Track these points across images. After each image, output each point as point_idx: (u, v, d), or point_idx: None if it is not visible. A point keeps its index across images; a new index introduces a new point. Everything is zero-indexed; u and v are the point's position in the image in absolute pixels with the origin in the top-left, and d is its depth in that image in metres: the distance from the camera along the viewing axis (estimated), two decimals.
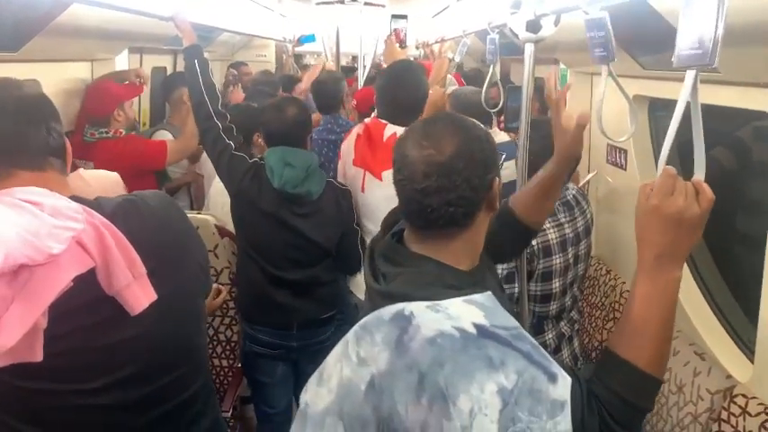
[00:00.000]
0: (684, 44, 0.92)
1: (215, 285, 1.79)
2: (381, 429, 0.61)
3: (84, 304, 1.08)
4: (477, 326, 0.71)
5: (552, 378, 0.76)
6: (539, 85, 4.03)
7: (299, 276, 2.35)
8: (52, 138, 1.17)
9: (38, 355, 0.98)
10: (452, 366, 0.65)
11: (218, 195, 2.75)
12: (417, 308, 0.73)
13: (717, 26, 0.84)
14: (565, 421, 0.74)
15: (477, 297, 0.77)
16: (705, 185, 1.00)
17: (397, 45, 2.82)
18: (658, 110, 2.44)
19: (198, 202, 3.61)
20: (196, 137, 3.16)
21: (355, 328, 0.71)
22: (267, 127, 2.38)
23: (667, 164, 1.01)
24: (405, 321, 0.69)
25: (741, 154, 2.15)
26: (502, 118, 2.62)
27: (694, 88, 0.96)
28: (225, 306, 2.54)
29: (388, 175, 2.26)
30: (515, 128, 2.32)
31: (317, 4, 4.22)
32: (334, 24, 4.80)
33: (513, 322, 0.77)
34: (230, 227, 2.54)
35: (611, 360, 1.04)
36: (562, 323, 2.12)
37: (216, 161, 2.38)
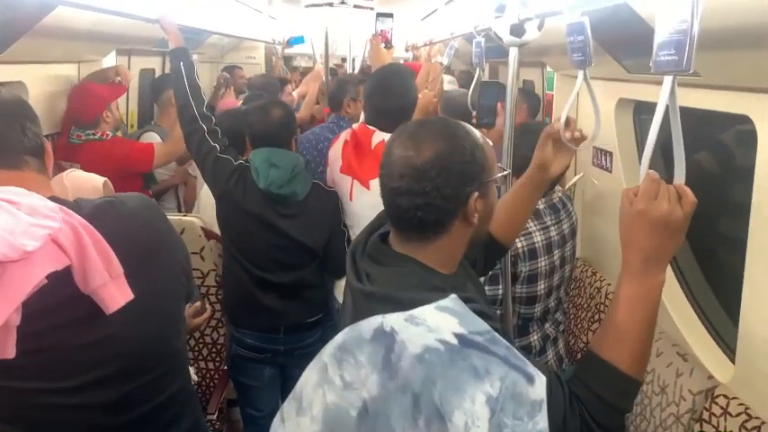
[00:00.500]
0: (661, 50, 0.93)
1: (198, 303, 1.77)
2: None
3: (60, 302, 1.09)
4: (457, 336, 0.71)
5: (530, 379, 0.78)
6: (527, 88, 4.08)
7: (286, 279, 2.35)
8: (27, 138, 1.19)
9: (9, 352, 0.99)
10: (444, 382, 0.65)
11: (207, 197, 2.75)
12: (396, 322, 0.72)
13: (691, 32, 0.85)
14: (543, 420, 0.75)
15: (446, 303, 0.77)
16: (687, 189, 1.01)
17: (383, 46, 2.76)
18: (644, 113, 2.47)
19: (188, 204, 3.60)
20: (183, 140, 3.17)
21: (332, 350, 0.68)
22: (253, 128, 2.38)
23: (651, 167, 1.03)
24: (388, 339, 0.67)
25: (723, 157, 2.18)
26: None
27: (672, 93, 0.97)
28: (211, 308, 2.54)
29: (375, 183, 2.18)
30: (487, 124, 2.33)
31: (307, 6, 4.22)
32: (323, 26, 4.81)
33: (484, 326, 0.78)
34: (218, 229, 2.54)
35: (594, 361, 1.05)
36: (547, 325, 2.14)
37: (201, 164, 2.38)
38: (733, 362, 1.83)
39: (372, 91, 2.39)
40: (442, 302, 0.77)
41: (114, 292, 1.09)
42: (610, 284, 2.56)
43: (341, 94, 3.14)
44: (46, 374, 1.13)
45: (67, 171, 2.00)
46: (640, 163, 1.04)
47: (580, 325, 2.70)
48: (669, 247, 1.03)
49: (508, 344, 0.79)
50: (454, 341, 0.69)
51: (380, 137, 2.28)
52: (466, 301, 0.99)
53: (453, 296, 0.82)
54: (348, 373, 0.64)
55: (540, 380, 0.76)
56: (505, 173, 1.25)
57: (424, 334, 0.68)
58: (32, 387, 1.13)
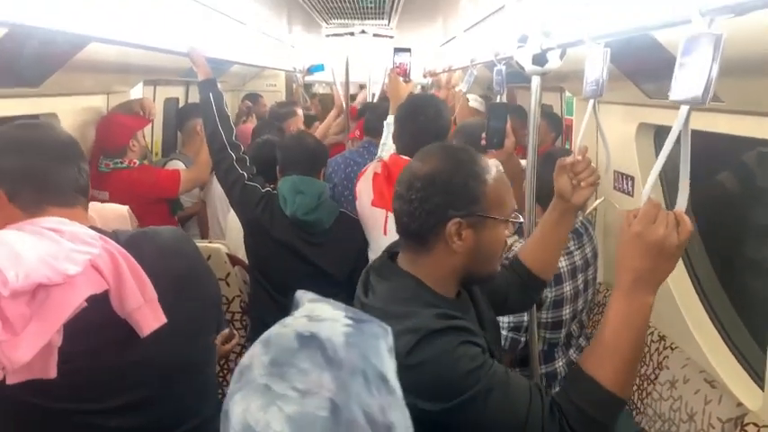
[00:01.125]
0: (681, 81, 0.95)
1: (227, 330, 1.80)
2: None
3: (98, 325, 1.12)
4: (348, 317, 0.77)
5: (385, 331, 0.79)
6: (546, 110, 4.10)
7: None
8: (82, 177, 1.25)
9: (51, 372, 1.03)
10: (371, 352, 0.71)
11: (234, 222, 2.79)
12: (302, 326, 0.74)
13: (711, 69, 0.87)
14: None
15: (311, 295, 0.82)
16: (686, 217, 1.03)
17: (401, 79, 2.78)
18: (665, 137, 2.47)
19: (203, 231, 3.64)
20: (209, 166, 3.23)
21: (262, 371, 0.68)
22: (284, 153, 2.44)
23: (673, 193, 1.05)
24: (314, 341, 0.69)
25: (747, 179, 2.17)
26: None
27: (686, 122, 0.99)
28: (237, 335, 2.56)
29: None
30: (495, 145, 2.23)
31: (327, 36, 4.31)
32: (343, 54, 4.89)
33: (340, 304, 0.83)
34: (245, 256, 2.57)
35: (577, 375, 1.12)
36: (571, 351, 2.13)
37: (228, 191, 2.42)
38: (762, 389, 1.80)
39: (405, 118, 2.27)
40: (310, 296, 0.83)
41: (148, 316, 1.13)
42: None
43: (378, 120, 2.97)
44: (82, 395, 1.15)
45: (91, 204, 2.04)
46: (662, 186, 1.06)
47: None
48: (661, 270, 1.05)
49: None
50: (350, 321, 0.74)
51: None
52: (451, 317, 1.11)
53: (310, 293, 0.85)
54: (299, 382, 0.66)
55: (389, 329, 0.79)
56: (518, 221, 1.21)
57: (333, 324, 0.72)
58: (69, 408, 1.15)
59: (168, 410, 1.26)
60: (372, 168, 2.37)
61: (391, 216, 2.25)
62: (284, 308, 0.77)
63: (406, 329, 1.08)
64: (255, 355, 0.71)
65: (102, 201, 2.49)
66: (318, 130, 4.25)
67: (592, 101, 1.45)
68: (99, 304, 1.08)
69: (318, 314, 0.75)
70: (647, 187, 1.07)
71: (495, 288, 1.45)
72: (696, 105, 0.94)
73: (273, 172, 2.52)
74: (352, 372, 0.67)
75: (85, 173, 1.26)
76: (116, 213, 1.94)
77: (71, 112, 2.79)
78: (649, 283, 1.06)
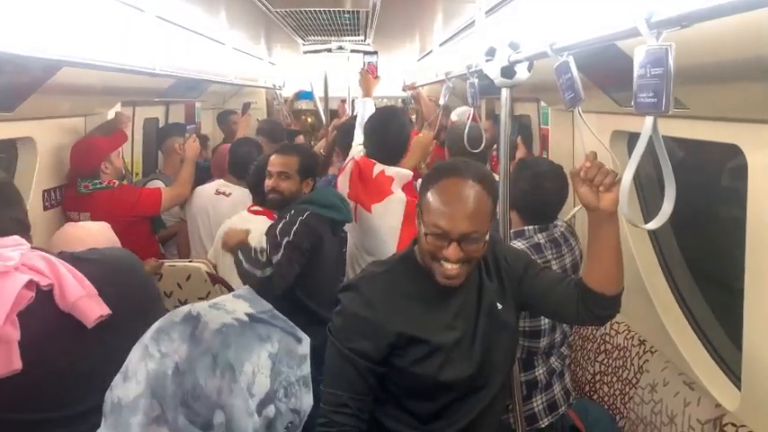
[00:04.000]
0: (641, 92, 0.98)
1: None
2: (186, 398, 0.82)
3: (51, 331, 1.20)
4: (248, 314, 0.93)
5: (299, 341, 0.97)
6: (524, 123, 4.16)
7: None
8: (24, 217, 1.37)
9: (16, 364, 1.12)
10: (236, 345, 0.87)
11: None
12: (202, 309, 0.92)
13: (667, 77, 0.90)
14: (307, 367, 0.96)
15: (240, 292, 1.01)
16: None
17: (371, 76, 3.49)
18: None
19: (182, 250, 3.62)
20: (190, 183, 3.27)
21: (151, 334, 0.88)
22: (314, 160, 2.68)
23: (651, 200, 1.06)
24: (194, 320, 0.88)
25: (718, 181, 2.21)
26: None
27: (655, 130, 1.02)
28: None
29: (376, 207, 2.53)
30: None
31: (305, 52, 4.34)
32: (321, 69, 4.93)
33: (268, 306, 0.99)
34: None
35: None
36: (552, 359, 2.14)
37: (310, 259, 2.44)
38: (739, 389, 1.83)
39: (373, 129, 2.68)
40: (237, 292, 1.01)
41: (93, 306, 1.21)
42: None
43: (347, 135, 3.31)
44: (44, 405, 1.21)
45: (66, 225, 2.03)
46: (637, 192, 1.08)
47: (587, 356, 2.70)
48: None
49: (284, 318, 0.99)
50: (245, 318, 0.92)
51: (380, 168, 2.56)
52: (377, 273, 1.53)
53: (247, 287, 1.04)
54: (164, 346, 0.85)
55: (306, 341, 0.98)
56: (425, 230, 1.43)
57: (223, 315, 0.91)
58: (35, 419, 1.20)
59: None
60: (350, 167, 2.72)
61: (359, 208, 2.59)
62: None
63: None
64: (156, 322, 0.90)
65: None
66: None
67: (577, 109, 1.45)
68: (47, 308, 1.19)
69: (224, 305, 0.94)
70: (623, 196, 1.08)
71: (555, 303, 1.57)
72: (659, 114, 0.96)
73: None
74: (205, 351, 0.85)
75: (25, 213, 1.37)
76: (102, 229, 1.93)
77: (48, 135, 2.79)
78: None
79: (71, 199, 2.93)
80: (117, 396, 0.85)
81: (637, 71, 0.98)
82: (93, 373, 1.21)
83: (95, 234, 1.84)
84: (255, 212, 2.83)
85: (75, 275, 1.23)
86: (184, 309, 0.90)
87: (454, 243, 1.39)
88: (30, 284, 1.17)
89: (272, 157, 2.55)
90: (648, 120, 0.99)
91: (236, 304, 0.95)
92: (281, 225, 2.37)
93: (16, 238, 1.26)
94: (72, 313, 1.20)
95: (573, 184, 1.44)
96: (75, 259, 1.28)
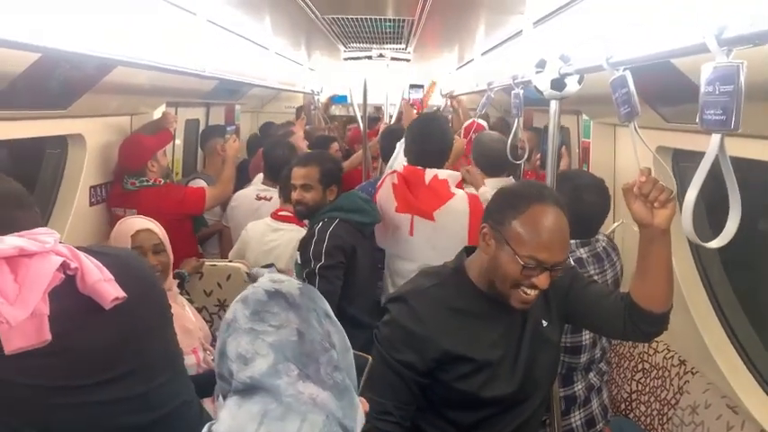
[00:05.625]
0: (708, 108, 0.97)
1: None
2: (314, 352, 0.93)
3: (69, 311, 1.30)
4: (298, 282, 1.05)
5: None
6: (563, 135, 4.14)
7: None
8: (38, 218, 1.43)
9: (45, 335, 1.22)
10: (317, 299, 0.99)
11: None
12: (271, 284, 0.99)
13: (737, 97, 0.88)
14: None
15: (273, 269, 1.17)
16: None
17: (415, 112, 3.29)
18: (682, 160, 2.48)
19: (224, 251, 3.68)
20: (232, 182, 3.35)
21: (244, 320, 0.95)
22: (336, 167, 2.65)
23: (697, 220, 1.05)
24: (278, 294, 0.97)
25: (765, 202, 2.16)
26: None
27: (722, 149, 1.00)
28: None
29: (439, 213, 2.44)
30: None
31: (345, 59, 4.37)
32: (360, 76, 4.97)
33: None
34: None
35: None
36: (591, 374, 2.11)
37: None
38: None
39: (415, 136, 2.64)
40: (270, 269, 1.13)
41: (109, 289, 1.31)
42: None
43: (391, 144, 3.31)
44: (69, 373, 1.31)
45: (124, 218, 2.11)
46: (680, 208, 1.06)
47: (623, 374, 2.66)
48: None
49: None
50: (301, 283, 1.01)
51: (432, 173, 2.51)
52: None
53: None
54: (273, 320, 0.92)
55: None
56: (522, 263, 1.36)
57: (289, 283, 0.99)
58: (68, 385, 1.30)
59: (151, 387, 1.41)
60: (389, 180, 2.64)
61: (417, 219, 2.48)
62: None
63: None
64: (238, 310, 0.97)
65: None
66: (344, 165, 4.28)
67: (633, 123, 1.41)
68: (72, 290, 1.29)
69: (279, 278, 1.02)
70: (686, 214, 1.06)
71: (602, 317, 1.56)
72: (728, 133, 0.95)
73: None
74: (308, 310, 0.96)
75: (38, 214, 1.45)
76: (139, 226, 2.00)
77: (96, 132, 2.87)
78: None
79: (117, 196, 3.00)
80: (247, 377, 0.92)
81: (704, 88, 0.97)
82: (104, 350, 1.34)
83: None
84: (283, 218, 2.88)
85: (94, 263, 1.34)
86: (258, 290, 0.99)
87: (546, 272, 1.37)
88: (60, 267, 1.29)
89: (294, 170, 2.54)
90: (715, 138, 0.97)
91: (282, 276, 1.04)
92: (312, 247, 2.37)
93: (47, 228, 1.36)
94: (91, 295, 1.30)
95: (626, 200, 1.42)
96: (92, 252, 1.38)
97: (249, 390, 0.92)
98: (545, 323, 1.54)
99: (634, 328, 1.50)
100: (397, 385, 1.43)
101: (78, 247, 1.39)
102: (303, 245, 2.43)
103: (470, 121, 4.21)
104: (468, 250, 1.58)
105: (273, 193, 3.27)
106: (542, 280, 1.37)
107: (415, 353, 1.42)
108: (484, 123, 4.29)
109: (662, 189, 1.34)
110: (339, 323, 1.01)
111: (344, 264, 2.38)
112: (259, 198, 3.32)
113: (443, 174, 2.51)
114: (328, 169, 2.53)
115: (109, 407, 1.35)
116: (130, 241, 1.99)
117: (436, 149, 2.58)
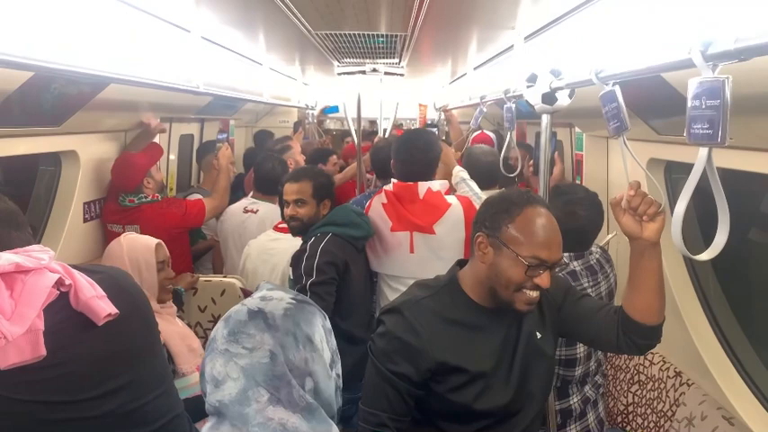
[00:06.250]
0: (695, 123, 0.98)
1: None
2: (286, 376, 0.96)
3: (60, 326, 1.30)
4: (293, 298, 1.08)
5: (325, 317, 1.13)
6: (523, 144, 4.19)
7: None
8: (30, 238, 1.42)
9: (41, 351, 1.22)
10: (303, 322, 1.03)
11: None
12: (256, 303, 1.03)
13: (724, 109, 0.90)
14: (334, 339, 1.13)
15: (269, 285, 1.12)
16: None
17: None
18: (675, 172, 2.49)
19: (216, 267, 3.67)
20: (227, 192, 3.39)
21: (222, 340, 0.99)
22: (329, 181, 2.63)
23: (688, 231, 1.06)
24: (260, 313, 1.01)
25: (761, 213, 2.17)
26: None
27: (709, 162, 1.01)
28: None
29: (439, 226, 2.40)
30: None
31: (339, 74, 4.40)
32: (354, 90, 4.99)
33: (294, 291, 1.15)
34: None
35: None
36: (587, 387, 2.11)
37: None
38: None
39: (401, 151, 2.54)
40: (266, 286, 1.11)
41: (102, 305, 1.32)
42: None
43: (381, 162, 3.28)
44: (64, 388, 1.30)
45: (124, 234, 2.10)
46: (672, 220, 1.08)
47: (619, 386, 2.65)
48: None
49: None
50: (294, 301, 1.05)
51: (425, 186, 2.45)
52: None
53: (266, 282, 1.16)
54: (247, 343, 0.95)
55: (326, 316, 1.14)
56: (526, 263, 1.38)
57: (277, 303, 1.02)
58: (50, 400, 1.28)
59: (143, 402, 1.41)
60: (378, 200, 2.59)
61: (416, 235, 2.44)
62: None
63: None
64: (218, 329, 1.01)
65: None
66: (336, 178, 4.26)
67: (622, 137, 1.43)
68: (66, 305, 1.29)
69: (270, 296, 1.04)
70: (675, 226, 1.07)
71: (595, 331, 1.56)
72: (715, 146, 0.96)
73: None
74: (285, 333, 0.97)
75: (30, 234, 1.45)
76: (143, 243, 2.01)
77: (90, 148, 2.86)
78: None
79: (113, 212, 2.99)
80: (216, 400, 0.95)
81: (690, 102, 0.98)
82: (97, 365, 1.34)
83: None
84: (284, 230, 2.86)
85: (87, 279, 1.35)
86: (241, 309, 1.01)
87: (548, 271, 1.40)
88: (55, 283, 1.30)
89: (286, 186, 2.53)
90: (703, 151, 0.99)
91: (276, 293, 1.06)
92: (304, 263, 2.35)
93: (41, 246, 1.37)
94: (84, 311, 1.31)
95: (614, 214, 1.44)
96: (83, 269, 1.39)
97: (219, 414, 0.96)
98: (539, 335, 1.54)
99: (627, 340, 1.50)
100: (393, 397, 1.43)
101: (70, 265, 1.40)
102: (295, 260, 2.41)
103: (479, 132, 4.24)
104: (461, 263, 1.59)
105: (261, 205, 3.28)
106: (545, 279, 1.39)
107: (410, 364, 1.42)
108: (492, 135, 4.31)
109: (650, 203, 1.36)
110: (326, 351, 1.02)
111: (336, 280, 2.37)
112: (246, 211, 3.32)
113: (436, 185, 2.49)
114: (321, 183, 2.53)
115: (105, 422, 1.34)
116: (155, 255, 2.00)
117: (424, 161, 2.50)
